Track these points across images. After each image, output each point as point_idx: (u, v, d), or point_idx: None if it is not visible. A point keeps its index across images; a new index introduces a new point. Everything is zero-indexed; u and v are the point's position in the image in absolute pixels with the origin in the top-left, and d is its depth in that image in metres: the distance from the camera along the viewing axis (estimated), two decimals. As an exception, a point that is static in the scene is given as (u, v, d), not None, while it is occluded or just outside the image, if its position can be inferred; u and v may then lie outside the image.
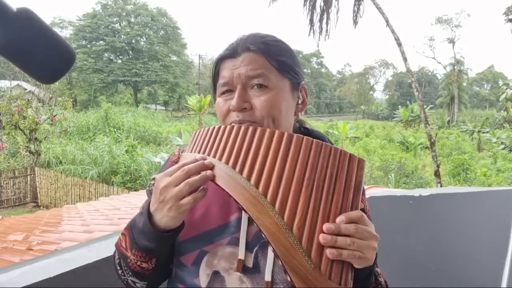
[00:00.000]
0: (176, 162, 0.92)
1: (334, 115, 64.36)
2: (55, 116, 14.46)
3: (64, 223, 4.54)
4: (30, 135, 13.57)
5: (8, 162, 13.92)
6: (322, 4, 13.66)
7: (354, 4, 13.23)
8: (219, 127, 0.82)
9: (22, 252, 3.57)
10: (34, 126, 13.37)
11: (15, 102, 13.27)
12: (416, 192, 2.52)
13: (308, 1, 13.74)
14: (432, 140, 11.01)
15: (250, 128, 0.78)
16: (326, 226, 0.68)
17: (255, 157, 0.75)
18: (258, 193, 0.71)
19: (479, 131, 28.00)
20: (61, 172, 13.00)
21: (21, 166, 13.75)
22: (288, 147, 0.75)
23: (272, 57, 0.88)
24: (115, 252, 0.91)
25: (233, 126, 0.80)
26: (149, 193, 0.95)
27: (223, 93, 0.89)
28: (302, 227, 0.68)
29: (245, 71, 0.86)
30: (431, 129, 11.48)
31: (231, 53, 0.89)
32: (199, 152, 0.82)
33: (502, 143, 23.69)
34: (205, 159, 0.77)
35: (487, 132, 27.77)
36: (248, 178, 0.73)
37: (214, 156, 0.78)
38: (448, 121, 38.99)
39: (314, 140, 0.75)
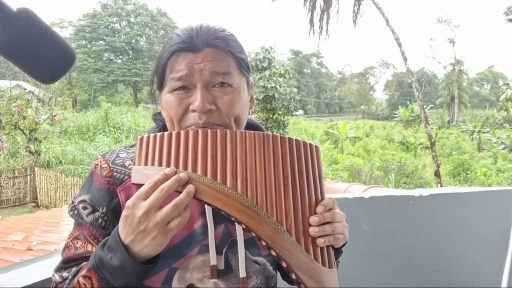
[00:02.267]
0: (110, 177, 0.82)
1: (334, 115, 64.32)
2: (55, 116, 14.47)
3: (64, 223, 4.55)
4: (30, 135, 13.56)
5: (8, 162, 13.92)
6: (322, 4, 13.66)
7: (354, 4, 13.23)
8: (178, 133, 0.73)
9: (22, 252, 3.57)
10: (34, 126, 13.36)
11: (15, 102, 13.27)
12: (416, 192, 2.52)
13: (308, 1, 13.74)
14: (432, 140, 11.01)
15: (219, 132, 0.72)
16: (313, 219, 0.72)
17: (234, 163, 0.70)
18: (249, 202, 0.68)
19: (479, 131, 28.00)
20: (61, 172, 12.99)
21: (21, 166, 13.74)
22: (262, 147, 0.72)
23: (235, 54, 0.82)
24: None
25: (197, 131, 0.72)
26: (78, 217, 0.83)
27: (175, 89, 0.80)
28: (293, 224, 0.71)
29: (209, 68, 0.78)
30: (431, 129, 11.48)
31: (189, 47, 0.79)
32: (155, 164, 0.72)
33: (502, 143, 23.68)
34: (176, 172, 0.69)
35: (487, 132, 27.76)
36: (234, 187, 0.69)
37: (185, 168, 0.70)
38: (448, 121, 38.96)
39: (282, 136, 0.75)
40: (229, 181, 0.69)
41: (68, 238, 0.83)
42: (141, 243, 0.67)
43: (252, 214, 0.68)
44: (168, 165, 0.71)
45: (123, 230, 0.69)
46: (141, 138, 0.75)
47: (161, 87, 0.84)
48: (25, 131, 13.42)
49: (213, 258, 0.80)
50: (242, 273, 0.81)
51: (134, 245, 0.68)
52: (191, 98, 0.79)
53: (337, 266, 0.92)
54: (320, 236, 0.72)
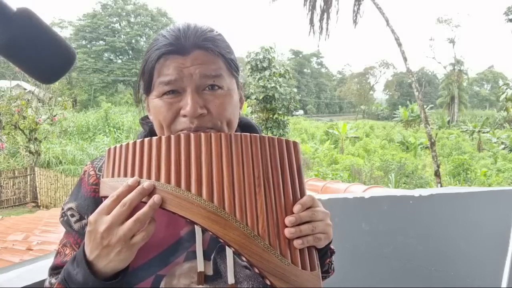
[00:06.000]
0: (96, 185, 0.82)
1: (334, 115, 64.32)
2: (55, 116, 14.46)
3: (64, 223, 4.54)
4: (30, 135, 13.56)
5: (8, 162, 13.93)
6: (322, 4, 13.66)
7: (354, 4, 13.23)
8: (142, 141, 0.71)
9: (22, 252, 3.57)
10: (34, 126, 13.36)
11: (15, 102, 13.26)
12: (416, 192, 2.52)
13: (308, 1, 13.75)
14: (432, 140, 11.01)
15: (182, 136, 0.70)
16: (288, 220, 0.68)
17: (199, 168, 0.68)
18: (215, 207, 0.65)
19: (479, 131, 28.01)
20: (61, 172, 13.01)
21: (21, 166, 13.75)
22: (230, 148, 0.69)
23: (224, 55, 0.80)
24: None
25: (160, 138, 0.70)
26: (67, 224, 0.84)
27: (164, 93, 0.78)
28: (267, 227, 0.67)
29: (200, 71, 0.76)
30: (431, 129, 11.48)
31: (177, 49, 0.77)
32: (121, 175, 0.70)
33: (502, 143, 23.70)
34: (139, 182, 0.67)
35: (487, 132, 27.79)
36: (199, 193, 0.66)
37: (149, 177, 0.68)
38: (448, 121, 39.00)
39: (252, 134, 0.72)
40: (193, 187, 0.67)
41: (59, 245, 0.84)
42: (105, 258, 0.66)
43: (218, 219, 0.65)
44: (132, 175, 0.69)
45: (88, 245, 0.68)
46: (109, 150, 0.74)
47: (148, 91, 0.81)
48: (25, 131, 13.41)
49: (200, 264, 0.78)
50: (231, 279, 0.79)
51: (99, 261, 0.67)
52: (182, 102, 0.77)
53: (331, 267, 0.90)
54: (297, 237, 0.68)
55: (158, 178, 0.68)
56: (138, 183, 0.67)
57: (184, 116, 0.76)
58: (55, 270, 0.82)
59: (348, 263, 2.12)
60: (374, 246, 2.50)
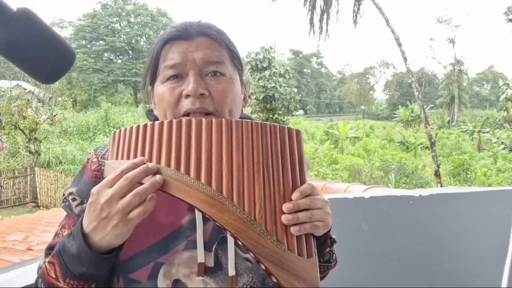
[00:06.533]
0: (98, 171, 0.84)
1: (334, 115, 64.33)
2: (55, 116, 14.46)
3: (64, 223, 4.55)
4: (30, 135, 13.56)
5: (8, 162, 13.92)
6: (322, 4, 13.66)
7: (354, 4, 13.23)
8: (145, 125, 0.73)
9: (22, 252, 3.57)
10: (34, 126, 13.36)
11: (15, 102, 13.26)
12: (416, 192, 2.52)
13: (308, 1, 13.74)
14: (432, 140, 11.01)
15: (184, 121, 0.71)
16: (286, 206, 0.69)
17: (198, 152, 0.69)
18: (213, 191, 0.67)
19: (479, 131, 28.01)
20: (61, 172, 13.00)
21: (21, 166, 13.75)
22: (230, 134, 0.70)
23: (228, 45, 0.83)
24: (38, 283, 0.77)
25: (162, 122, 0.72)
26: (68, 209, 0.85)
27: (168, 79, 0.80)
28: (264, 213, 0.68)
29: (203, 56, 0.79)
30: (431, 129, 11.47)
31: (183, 35, 0.80)
32: (124, 158, 0.72)
33: (502, 143, 23.69)
34: (144, 162, 0.69)
35: (487, 132, 27.78)
36: (198, 177, 0.67)
37: (150, 160, 0.70)
38: (448, 121, 38.99)
39: (253, 121, 0.72)
40: (193, 171, 0.68)
41: (58, 226, 0.85)
42: (102, 231, 0.67)
43: (215, 203, 0.66)
44: (136, 157, 0.71)
45: (87, 217, 0.69)
46: (114, 133, 0.76)
47: (153, 80, 0.84)
48: (25, 131, 13.41)
49: (200, 255, 0.78)
50: (231, 271, 0.78)
51: (95, 233, 0.67)
52: (184, 85, 0.79)
53: (333, 256, 0.90)
54: (295, 224, 0.68)
55: (158, 162, 0.70)
56: (143, 163, 0.69)
57: (187, 96, 0.78)
58: (50, 250, 0.81)
59: (348, 263, 2.12)
60: (374, 246, 2.50)
